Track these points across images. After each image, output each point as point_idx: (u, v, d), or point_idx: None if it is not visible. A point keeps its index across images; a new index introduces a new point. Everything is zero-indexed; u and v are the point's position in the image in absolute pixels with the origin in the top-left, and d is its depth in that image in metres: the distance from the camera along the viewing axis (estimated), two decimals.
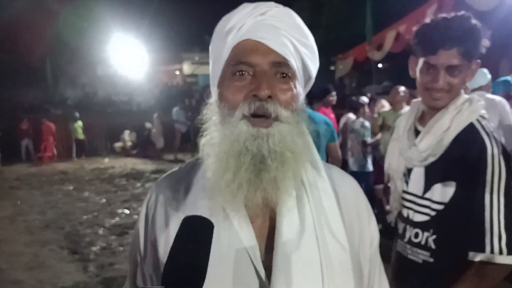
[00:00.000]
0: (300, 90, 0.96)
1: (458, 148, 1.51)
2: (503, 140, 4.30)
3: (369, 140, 5.90)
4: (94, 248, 5.73)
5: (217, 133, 0.93)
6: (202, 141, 0.97)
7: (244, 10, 0.95)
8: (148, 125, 16.50)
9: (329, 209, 0.94)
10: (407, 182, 1.70)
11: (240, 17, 0.95)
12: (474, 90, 4.59)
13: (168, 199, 0.99)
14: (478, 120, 1.54)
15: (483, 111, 1.57)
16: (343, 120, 6.63)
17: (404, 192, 1.70)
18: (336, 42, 17.99)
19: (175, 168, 1.08)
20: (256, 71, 0.90)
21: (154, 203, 1.00)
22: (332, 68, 17.51)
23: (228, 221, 0.90)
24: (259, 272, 0.87)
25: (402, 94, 5.52)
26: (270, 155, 0.87)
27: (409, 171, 1.69)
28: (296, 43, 0.95)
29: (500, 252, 1.36)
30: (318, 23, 21.95)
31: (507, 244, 1.36)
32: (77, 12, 19.45)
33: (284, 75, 0.92)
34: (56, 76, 20.68)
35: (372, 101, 7.80)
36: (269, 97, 0.88)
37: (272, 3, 0.97)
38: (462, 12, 1.55)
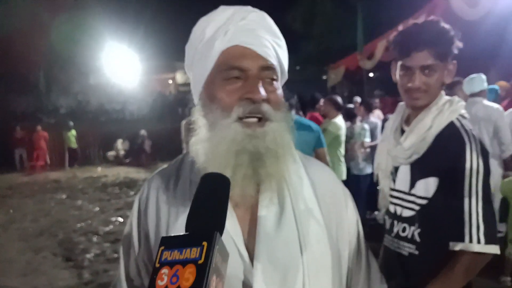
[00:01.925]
0: (281, 89, 1.03)
1: (439, 146, 1.60)
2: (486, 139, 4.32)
3: (367, 141, 5.99)
4: (88, 255, 5.74)
5: (208, 134, 0.98)
6: (192, 141, 1.02)
7: (223, 14, 1.00)
8: (142, 132, 16.48)
9: (305, 190, 1.03)
10: (394, 180, 1.78)
11: (221, 22, 0.99)
12: (474, 94, 4.59)
13: (159, 193, 1.05)
14: (458, 119, 1.63)
15: (463, 111, 1.67)
16: None
17: (392, 189, 1.79)
18: (328, 52, 18.19)
19: (165, 165, 1.15)
20: (248, 75, 0.95)
21: (146, 198, 1.07)
22: (324, 77, 17.68)
23: None
24: (242, 255, 0.93)
25: (327, 104, 5.63)
26: (267, 152, 0.93)
27: (396, 169, 1.77)
28: (274, 45, 1.01)
29: (478, 241, 1.45)
30: (310, 33, 22.21)
31: (485, 234, 1.45)
32: (70, 21, 19.44)
33: (271, 78, 0.99)
34: (49, 84, 20.64)
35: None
36: (263, 99, 0.94)
37: (249, 8, 1.03)
38: (432, 17, 1.68)
